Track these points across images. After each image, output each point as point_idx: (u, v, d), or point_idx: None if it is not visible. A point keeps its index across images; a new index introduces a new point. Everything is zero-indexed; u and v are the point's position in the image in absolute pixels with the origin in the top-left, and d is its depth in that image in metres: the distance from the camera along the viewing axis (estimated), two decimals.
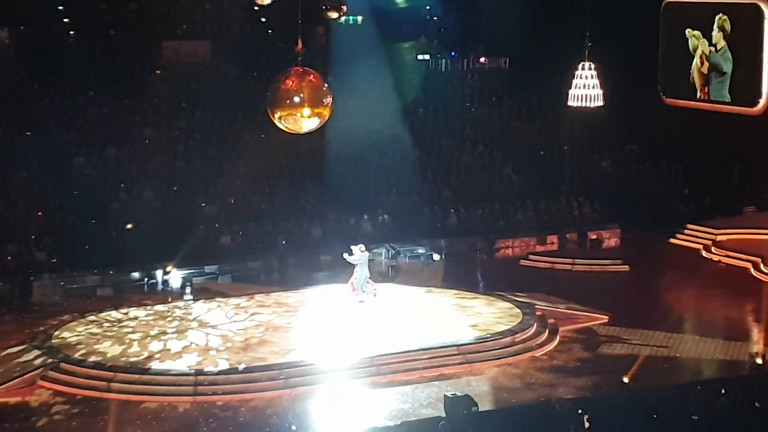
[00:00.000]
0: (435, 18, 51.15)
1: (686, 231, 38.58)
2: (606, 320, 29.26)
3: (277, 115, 25.92)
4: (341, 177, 39.39)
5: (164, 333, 27.61)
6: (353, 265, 29.44)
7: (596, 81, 32.68)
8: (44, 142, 38.65)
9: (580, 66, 32.66)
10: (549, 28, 43.07)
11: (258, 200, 38.01)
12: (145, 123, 40.87)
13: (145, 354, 25.88)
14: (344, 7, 27.90)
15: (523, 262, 36.70)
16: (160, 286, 33.15)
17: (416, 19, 50.84)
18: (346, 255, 29.40)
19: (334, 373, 24.83)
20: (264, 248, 35.59)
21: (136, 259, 33.70)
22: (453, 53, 49.90)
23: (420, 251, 36.45)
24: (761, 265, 34.20)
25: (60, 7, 44.60)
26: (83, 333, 27.73)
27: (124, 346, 26.45)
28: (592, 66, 32.55)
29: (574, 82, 32.85)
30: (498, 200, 40.05)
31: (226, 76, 43.45)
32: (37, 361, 25.50)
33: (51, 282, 32.77)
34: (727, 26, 29.98)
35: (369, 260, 30.07)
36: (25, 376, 24.74)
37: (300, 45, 26.37)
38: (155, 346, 26.48)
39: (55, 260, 33.80)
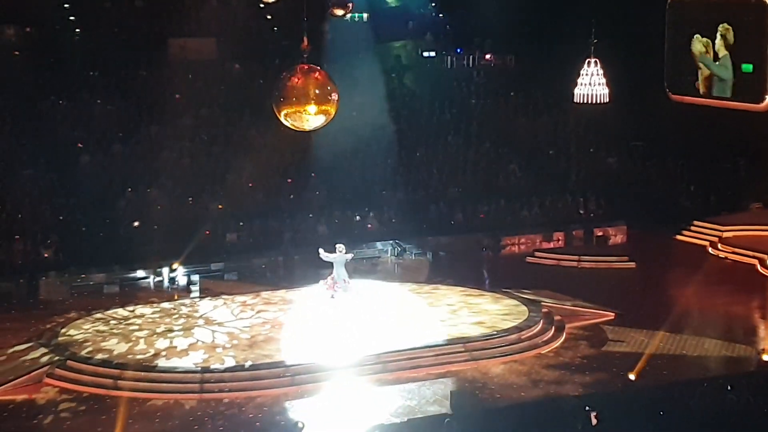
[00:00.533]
0: (441, 15, 51.11)
1: (692, 228, 38.57)
2: (612, 317, 29.25)
3: (282, 113, 25.91)
4: (347, 174, 39.41)
5: (171, 330, 27.64)
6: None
7: (602, 78, 32.68)
8: (50, 140, 38.68)
9: (585, 63, 32.66)
10: (555, 25, 43.04)
11: (264, 197, 37.99)
12: (151, 120, 40.88)
13: (152, 351, 25.91)
14: (350, 5, 27.88)
15: (529, 259, 36.71)
16: (166, 284, 33.15)
17: (422, 16, 50.81)
18: (322, 252, 29.33)
19: (341, 371, 24.84)
20: (269, 245, 35.59)
21: (143, 257, 33.71)
22: (459, 50, 49.86)
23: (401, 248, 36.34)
24: None
25: (66, 5, 44.63)
26: (90, 330, 27.77)
27: (130, 344, 26.49)
28: (598, 63, 32.55)
29: (580, 79, 32.86)
30: (504, 197, 40.04)
31: (232, 73, 43.44)
32: (44, 359, 25.55)
33: (57, 279, 32.80)
34: (730, 36, 29.94)
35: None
36: (32, 374, 24.78)
37: (306, 42, 26.36)
38: (162, 343, 26.52)
39: (61, 258, 33.82)
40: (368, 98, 43.55)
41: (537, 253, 37.02)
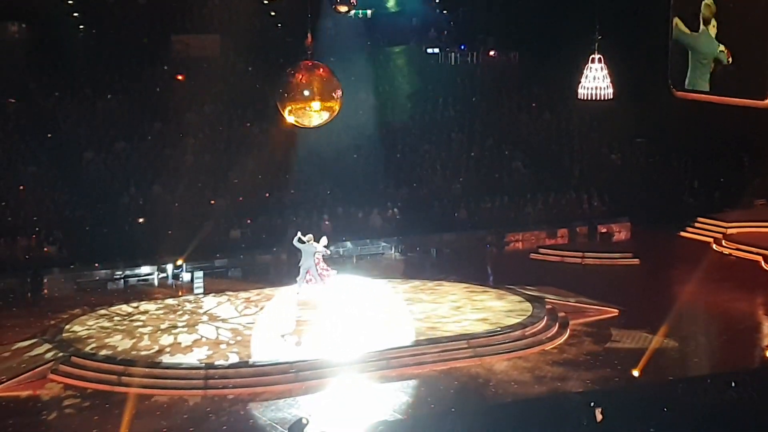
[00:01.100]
0: (444, 12, 51.12)
1: (696, 224, 38.54)
2: (616, 313, 29.24)
3: (286, 110, 25.90)
4: (351, 170, 39.43)
5: (175, 327, 27.65)
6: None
7: (606, 74, 32.62)
8: (54, 137, 38.73)
9: (589, 59, 32.61)
10: (558, 22, 43.02)
11: (267, 194, 37.99)
12: (155, 117, 40.90)
13: (156, 348, 25.92)
14: (353, 1, 27.88)
15: (532, 255, 36.69)
16: (170, 280, 33.18)
17: (426, 13, 50.82)
18: (295, 238, 29.41)
19: (345, 367, 24.84)
20: (273, 242, 35.60)
21: (147, 253, 33.73)
22: (462, 47, 49.86)
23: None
24: None
25: (69, 2, 44.68)
26: (94, 327, 27.79)
27: (134, 340, 26.51)
28: (602, 59, 32.51)
29: (584, 75, 32.80)
30: (507, 194, 40.04)
31: (235, 70, 43.47)
32: (48, 355, 25.57)
33: (61, 276, 32.83)
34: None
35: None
36: (36, 370, 24.79)
37: (309, 39, 26.36)
38: (166, 339, 26.53)
39: (65, 254, 33.84)
40: (371, 95, 43.66)
41: (541, 250, 37.01)
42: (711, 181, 41.45)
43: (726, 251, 36.28)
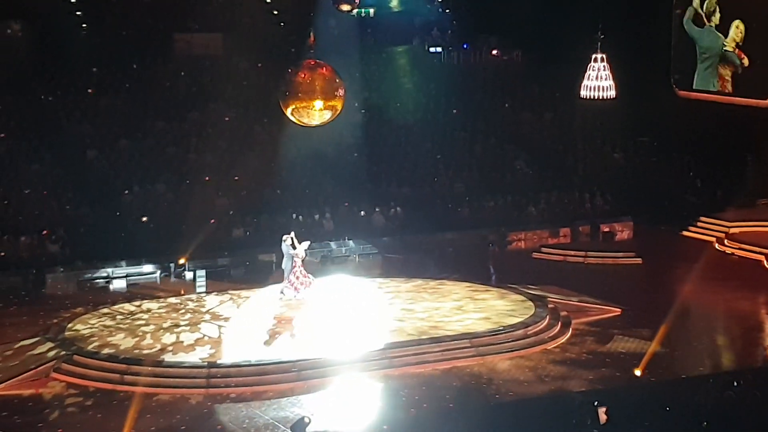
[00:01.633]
0: (447, 11, 51.08)
1: (699, 223, 38.52)
2: (618, 313, 29.24)
3: (289, 109, 25.93)
4: (353, 169, 39.43)
5: (177, 325, 27.66)
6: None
7: (608, 73, 32.64)
8: (56, 136, 38.76)
9: (592, 58, 32.62)
10: (561, 21, 42.98)
11: (270, 193, 37.99)
12: (157, 115, 40.92)
13: (158, 346, 25.93)
14: (356, 0, 27.88)
15: (535, 254, 36.69)
16: (173, 279, 33.19)
17: (428, 12, 50.79)
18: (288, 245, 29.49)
19: (347, 366, 24.85)
20: (276, 241, 35.56)
21: (149, 252, 33.75)
22: (465, 45, 49.84)
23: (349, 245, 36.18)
24: None
25: (71, 1, 44.68)
26: (96, 325, 27.81)
27: (137, 339, 26.52)
28: (605, 58, 32.50)
29: (587, 74, 32.82)
30: (510, 193, 40.03)
31: (238, 68, 43.47)
32: (51, 354, 25.59)
33: (64, 274, 32.85)
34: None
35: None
36: (39, 369, 24.81)
37: (312, 38, 26.40)
38: (168, 338, 26.54)
39: (67, 252, 33.87)
40: (374, 94, 43.67)
41: (543, 249, 37.00)
42: (714, 180, 41.44)
43: (728, 251, 36.26)
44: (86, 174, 37.53)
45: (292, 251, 29.28)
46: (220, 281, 32.44)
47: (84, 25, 45.19)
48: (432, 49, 49.49)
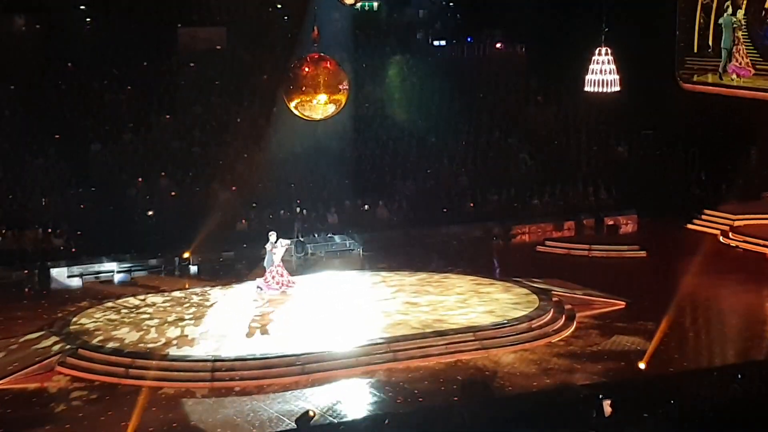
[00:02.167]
0: (451, 4, 51.06)
1: (703, 216, 38.48)
2: (623, 306, 29.23)
3: (293, 103, 25.92)
4: (357, 163, 39.44)
5: (181, 319, 27.69)
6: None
7: (613, 66, 32.58)
8: (61, 130, 38.77)
9: (596, 51, 32.56)
10: (565, 14, 42.96)
11: (274, 186, 38.01)
12: (162, 109, 40.93)
13: (163, 340, 25.96)
14: None
15: (539, 247, 36.67)
16: (177, 272, 33.22)
17: (432, 5, 50.77)
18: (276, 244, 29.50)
19: (351, 359, 24.86)
20: (280, 235, 35.59)
21: (154, 245, 33.78)
22: (469, 39, 49.81)
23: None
24: None
25: None
26: (101, 319, 27.83)
27: (141, 333, 26.55)
28: (609, 51, 32.45)
29: (591, 67, 32.74)
30: (514, 186, 40.03)
31: (243, 62, 43.48)
32: (56, 347, 25.62)
33: (68, 268, 32.88)
34: None
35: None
36: (44, 363, 24.83)
37: (316, 32, 26.37)
38: (173, 332, 26.57)
39: (72, 247, 33.90)
40: (378, 87, 43.67)
41: (547, 242, 36.99)
42: (718, 173, 41.38)
43: (733, 243, 36.22)
44: (90, 168, 37.55)
45: (270, 248, 29.27)
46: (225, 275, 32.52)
47: (88, 19, 45.23)
48: (436, 43, 49.46)
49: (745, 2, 34.44)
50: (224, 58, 43.99)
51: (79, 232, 34.18)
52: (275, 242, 29.46)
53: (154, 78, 42.10)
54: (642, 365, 24.44)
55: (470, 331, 26.34)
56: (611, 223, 38.49)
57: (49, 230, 34.18)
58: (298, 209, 36.60)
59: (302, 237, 35.22)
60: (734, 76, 35.50)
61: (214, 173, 38.09)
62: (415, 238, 36.51)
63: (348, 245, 35.53)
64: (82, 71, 41.78)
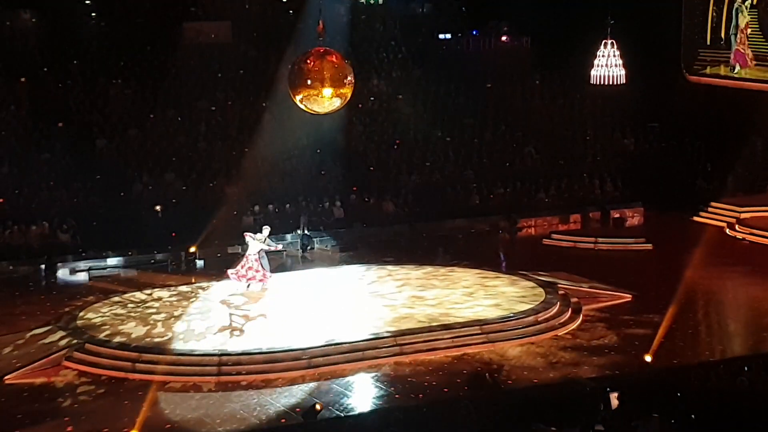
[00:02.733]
0: None
1: (710, 209, 38.44)
2: (629, 299, 29.21)
3: (298, 97, 25.91)
4: (363, 157, 39.43)
5: (188, 313, 27.69)
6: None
7: (618, 59, 32.60)
8: (67, 125, 38.81)
9: (602, 44, 32.57)
10: (570, 6, 42.92)
11: (279, 181, 38.03)
12: (167, 104, 40.95)
13: (170, 335, 25.97)
14: None
15: (545, 241, 36.65)
16: (183, 267, 33.25)
17: None
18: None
19: (357, 353, 24.87)
20: (287, 228, 35.64)
21: (160, 240, 33.81)
22: (475, 32, 49.76)
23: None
24: None
25: None
26: (108, 314, 27.85)
27: (148, 327, 26.56)
28: (614, 44, 32.44)
29: (596, 60, 32.78)
30: (520, 179, 40.01)
31: (247, 56, 43.48)
32: (62, 342, 25.63)
33: (75, 263, 32.92)
34: None
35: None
36: (51, 357, 24.86)
37: (321, 25, 26.37)
38: (179, 326, 26.58)
39: (78, 241, 33.95)
40: (383, 81, 43.64)
41: (554, 235, 36.96)
42: (724, 165, 41.30)
43: (739, 236, 36.18)
44: (96, 163, 37.58)
45: (256, 243, 29.24)
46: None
47: (93, 14, 45.26)
48: (441, 36, 49.41)
49: None
50: (229, 52, 43.96)
51: (83, 227, 34.24)
52: (265, 237, 29.43)
53: (159, 73, 42.08)
54: (648, 358, 24.42)
55: (476, 325, 26.33)
56: (617, 216, 38.46)
57: (60, 226, 34.21)
58: (303, 203, 36.61)
59: (308, 231, 35.23)
60: (738, 66, 35.51)
61: (220, 168, 38.11)
62: (420, 232, 36.53)
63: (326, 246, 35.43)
64: (88, 66, 41.78)
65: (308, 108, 26.20)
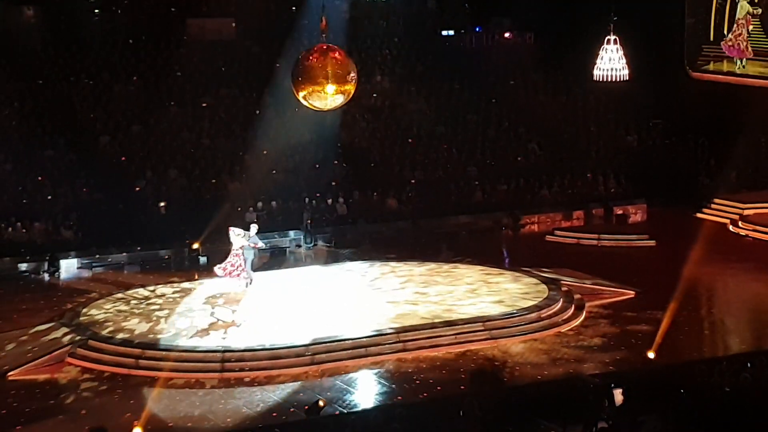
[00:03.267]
0: None
1: (713, 205, 38.41)
2: (632, 295, 29.21)
3: (301, 93, 25.90)
4: (366, 153, 39.40)
5: (191, 310, 27.70)
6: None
7: (621, 55, 32.56)
8: (70, 121, 38.79)
9: (605, 40, 32.53)
10: (574, 3, 42.86)
11: (282, 177, 38.00)
12: (170, 101, 40.92)
13: (173, 331, 25.98)
14: None
15: (548, 237, 36.65)
16: (186, 263, 33.25)
17: None
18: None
19: (360, 350, 24.88)
20: (289, 225, 35.62)
21: (163, 237, 33.81)
22: (478, 28, 49.69)
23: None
24: None
25: None
26: (111, 310, 27.87)
27: (151, 323, 26.58)
28: (617, 40, 32.41)
29: (600, 56, 32.73)
30: (523, 176, 39.99)
31: (251, 53, 43.45)
32: (66, 339, 25.66)
33: (78, 260, 32.94)
34: None
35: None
36: (54, 354, 24.89)
37: (324, 22, 26.35)
38: (182, 323, 26.59)
39: (81, 238, 33.95)
40: (386, 77, 43.61)
41: (557, 232, 36.96)
42: (727, 161, 41.27)
43: (743, 232, 36.17)
44: (99, 159, 37.57)
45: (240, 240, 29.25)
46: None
47: (96, 11, 45.21)
48: (444, 32, 49.34)
49: None
50: (233, 49, 43.92)
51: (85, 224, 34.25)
52: (252, 234, 29.40)
53: (163, 69, 42.05)
54: (651, 354, 24.41)
55: (479, 321, 26.34)
56: (620, 212, 38.45)
57: (63, 222, 34.23)
58: (306, 199, 36.59)
59: (311, 227, 35.21)
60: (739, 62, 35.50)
61: (223, 164, 38.10)
62: (423, 229, 36.52)
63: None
64: (91, 63, 41.76)
65: (311, 105, 26.18)
